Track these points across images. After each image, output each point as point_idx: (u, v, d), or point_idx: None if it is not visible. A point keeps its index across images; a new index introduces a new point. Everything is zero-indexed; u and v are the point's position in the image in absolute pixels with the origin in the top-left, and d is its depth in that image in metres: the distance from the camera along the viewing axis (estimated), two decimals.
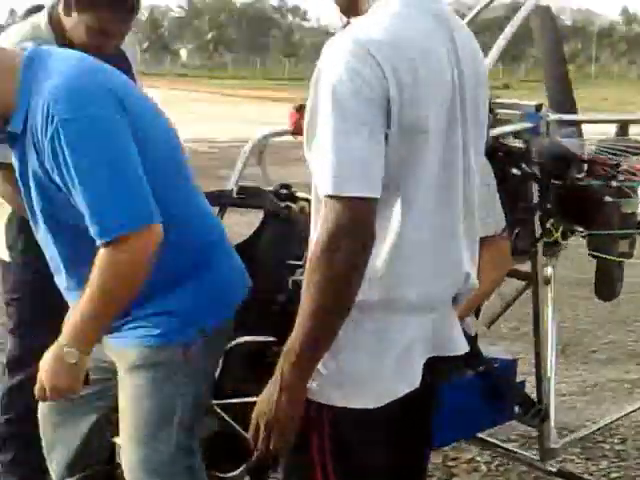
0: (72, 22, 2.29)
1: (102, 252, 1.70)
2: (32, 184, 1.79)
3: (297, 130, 2.68)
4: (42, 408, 2.05)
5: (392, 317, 1.57)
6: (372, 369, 1.56)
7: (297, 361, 1.48)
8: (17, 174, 1.84)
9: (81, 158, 1.66)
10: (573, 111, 2.90)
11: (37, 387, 1.82)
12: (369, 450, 1.61)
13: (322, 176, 1.45)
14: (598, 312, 4.92)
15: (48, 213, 1.82)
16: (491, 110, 2.58)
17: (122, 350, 1.88)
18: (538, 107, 2.57)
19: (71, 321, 1.80)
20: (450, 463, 3.10)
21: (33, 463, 2.46)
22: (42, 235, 1.88)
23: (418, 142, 1.49)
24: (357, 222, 1.43)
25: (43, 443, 2.08)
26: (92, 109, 1.68)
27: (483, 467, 3.10)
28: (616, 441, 3.43)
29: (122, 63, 2.50)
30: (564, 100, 2.94)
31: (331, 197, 1.43)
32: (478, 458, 3.14)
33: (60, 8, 2.31)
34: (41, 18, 2.37)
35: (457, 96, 1.54)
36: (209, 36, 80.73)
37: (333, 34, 1.54)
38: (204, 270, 1.87)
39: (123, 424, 1.91)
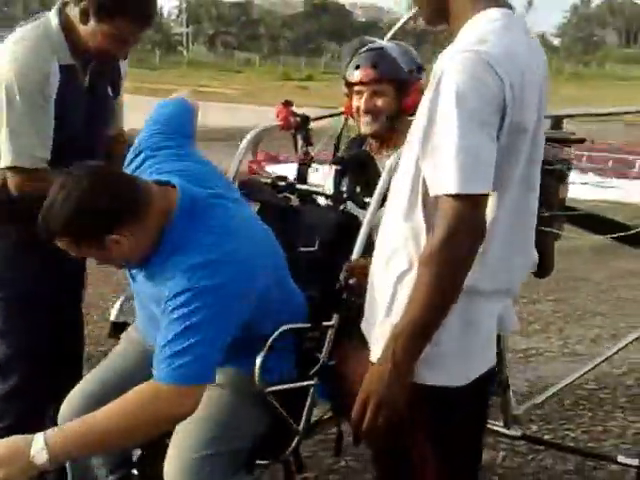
0: (89, 29, 2.32)
1: (151, 387, 1.86)
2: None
3: (286, 125, 2.84)
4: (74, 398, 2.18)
5: (481, 301, 1.72)
6: (463, 350, 1.71)
7: (410, 342, 1.62)
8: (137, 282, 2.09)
9: (193, 315, 1.84)
10: None
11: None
12: (461, 425, 1.78)
13: (445, 175, 1.57)
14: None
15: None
16: None
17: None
18: None
19: (73, 426, 1.86)
20: None
21: None
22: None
23: (519, 140, 1.67)
24: (478, 218, 1.60)
25: None
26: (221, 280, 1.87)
27: None
28: (570, 402, 3.80)
29: (115, 72, 2.61)
30: None
31: (453, 195, 1.56)
32: None
33: (73, 13, 2.34)
34: (52, 18, 2.38)
35: (543, 99, 1.73)
36: None
37: None
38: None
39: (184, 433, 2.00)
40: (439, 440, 1.79)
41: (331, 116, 3.08)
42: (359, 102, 2.62)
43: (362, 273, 2.16)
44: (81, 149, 2.44)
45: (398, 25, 3.18)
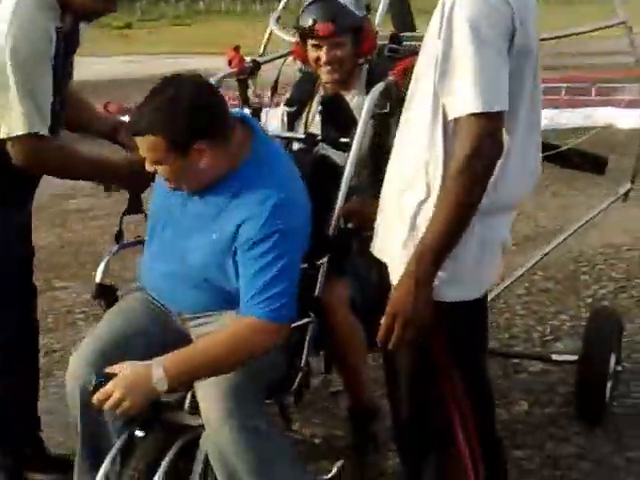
0: None
1: (244, 322, 2.03)
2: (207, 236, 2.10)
3: (240, 72, 2.87)
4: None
5: (497, 217, 1.90)
6: (478, 265, 1.89)
7: (434, 258, 1.77)
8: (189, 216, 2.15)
9: (274, 251, 2.01)
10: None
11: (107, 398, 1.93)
12: (478, 333, 2.01)
13: (467, 97, 1.72)
14: None
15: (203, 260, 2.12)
16: (400, 43, 2.93)
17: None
18: None
19: (182, 355, 2.00)
20: None
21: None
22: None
23: (526, 62, 1.83)
24: (499, 133, 1.75)
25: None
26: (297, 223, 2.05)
27: None
28: None
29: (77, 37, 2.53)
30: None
31: (476, 114, 1.71)
32: None
33: None
34: None
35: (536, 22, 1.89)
36: None
37: None
38: None
39: None
40: (459, 351, 1.97)
41: (281, 57, 3.14)
42: (318, 53, 2.71)
43: (359, 215, 2.35)
44: (61, 114, 2.41)
45: None
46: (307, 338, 2.29)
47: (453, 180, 1.76)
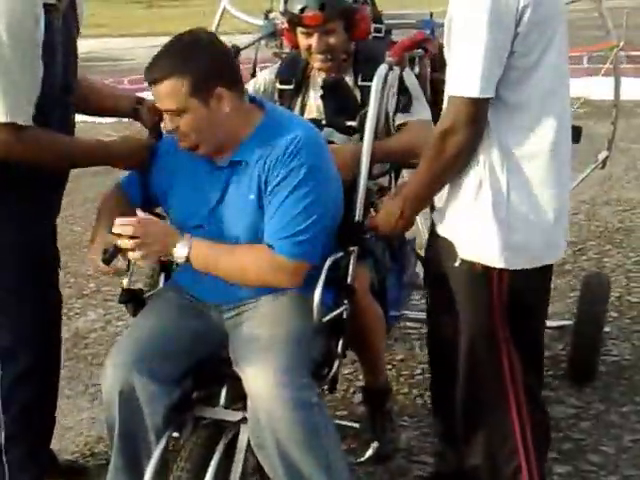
0: None
1: (269, 255, 2.07)
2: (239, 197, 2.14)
3: None
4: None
5: (564, 195, 2.05)
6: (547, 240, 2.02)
7: (415, 202, 2.13)
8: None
9: (302, 187, 2.06)
10: None
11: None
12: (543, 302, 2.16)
13: (469, 81, 1.86)
14: None
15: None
16: (382, 22, 2.92)
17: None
18: (431, 14, 2.93)
19: (210, 243, 2.10)
20: None
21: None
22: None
23: (551, 22, 1.92)
24: (475, 117, 1.90)
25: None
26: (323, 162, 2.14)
27: None
28: None
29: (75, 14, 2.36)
30: None
31: (459, 97, 1.88)
32: None
33: None
34: None
35: None
36: None
37: None
38: None
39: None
40: (520, 322, 2.08)
41: (258, 40, 3.09)
42: (309, 41, 2.64)
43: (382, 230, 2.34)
44: (58, 101, 2.27)
45: None
46: (345, 325, 2.28)
47: (432, 146, 1.99)
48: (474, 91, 1.86)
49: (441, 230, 2.15)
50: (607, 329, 3.49)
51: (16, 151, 2.15)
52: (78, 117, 2.46)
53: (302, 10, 2.57)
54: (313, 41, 2.62)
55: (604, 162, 3.60)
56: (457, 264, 2.06)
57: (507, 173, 1.96)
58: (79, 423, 3.22)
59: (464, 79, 1.87)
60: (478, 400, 2.16)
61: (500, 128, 1.94)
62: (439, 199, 2.14)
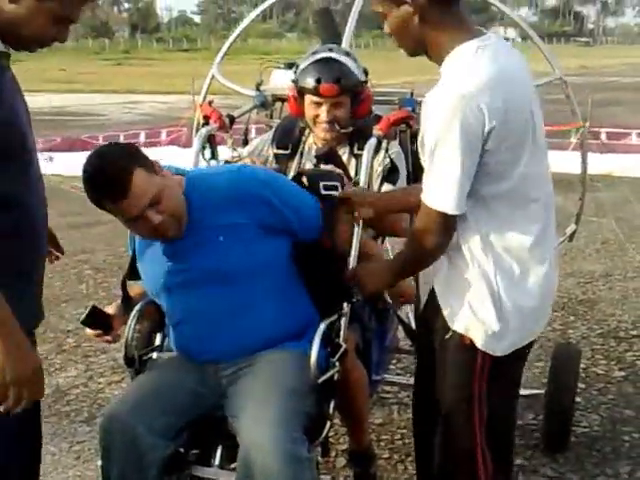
0: (24, 10, 1.86)
1: None
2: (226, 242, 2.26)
3: (222, 127, 2.96)
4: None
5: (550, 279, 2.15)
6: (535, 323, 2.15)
7: (393, 278, 2.30)
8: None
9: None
10: None
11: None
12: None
13: (430, 189, 1.99)
14: None
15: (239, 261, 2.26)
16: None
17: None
18: (412, 93, 3.08)
19: None
20: None
21: None
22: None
23: (518, 136, 1.99)
24: (441, 228, 2.02)
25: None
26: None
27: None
28: None
29: None
30: None
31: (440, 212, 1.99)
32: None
33: None
34: None
35: (532, 97, 2.05)
36: None
37: None
38: None
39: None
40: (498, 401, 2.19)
41: (251, 110, 3.22)
42: (317, 111, 2.81)
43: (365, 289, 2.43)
44: (17, 152, 1.97)
45: None
46: (335, 387, 2.34)
47: (410, 241, 2.16)
48: (449, 208, 1.98)
49: (438, 301, 2.22)
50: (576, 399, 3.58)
51: None
52: (49, 169, 2.45)
53: (318, 81, 2.75)
54: (322, 111, 2.80)
55: (571, 236, 3.75)
56: (448, 336, 2.14)
57: (494, 264, 2.06)
58: None
59: (441, 195, 1.98)
60: (452, 464, 2.25)
61: (481, 220, 2.05)
62: (437, 278, 2.23)
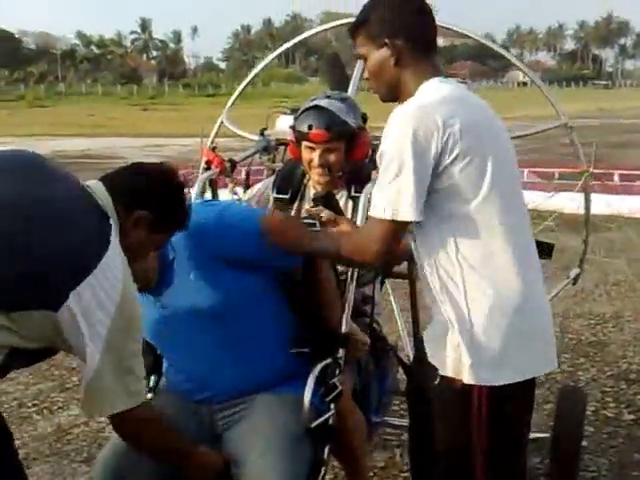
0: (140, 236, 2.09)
1: None
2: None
3: (223, 171, 3.05)
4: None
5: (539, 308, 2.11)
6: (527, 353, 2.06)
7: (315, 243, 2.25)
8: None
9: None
10: None
11: None
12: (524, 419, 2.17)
13: (375, 200, 1.99)
14: None
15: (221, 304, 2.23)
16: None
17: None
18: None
19: None
20: None
21: None
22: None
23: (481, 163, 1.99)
24: (387, 237, 2.00)
25: None
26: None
27: None
28: None
29: None
30: None
31: (387, 220, 1.97)
32: None
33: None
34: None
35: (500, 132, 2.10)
36: None
37: None
38: None
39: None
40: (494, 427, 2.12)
41: (253, 154, 3.29)
42: (311, 155, 2.85)
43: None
44: None
45: None
46: (330, 430, 2.34)
47: (349, 241, 2.16)
48: (400, 215, 1.97)
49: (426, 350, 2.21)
50: (584, 443, 3.53)
51: None
52: None
53: (310, 127, 2.80)
54: (315, 156, 2.84)
55: (575, 279, 3.73)
56: (436, 382, 2.11)
57: (464, 291, 2.03)
58: None
59: (389, 202, 1.97)
60: None
61: (449, 244, 2.03)
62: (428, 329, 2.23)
